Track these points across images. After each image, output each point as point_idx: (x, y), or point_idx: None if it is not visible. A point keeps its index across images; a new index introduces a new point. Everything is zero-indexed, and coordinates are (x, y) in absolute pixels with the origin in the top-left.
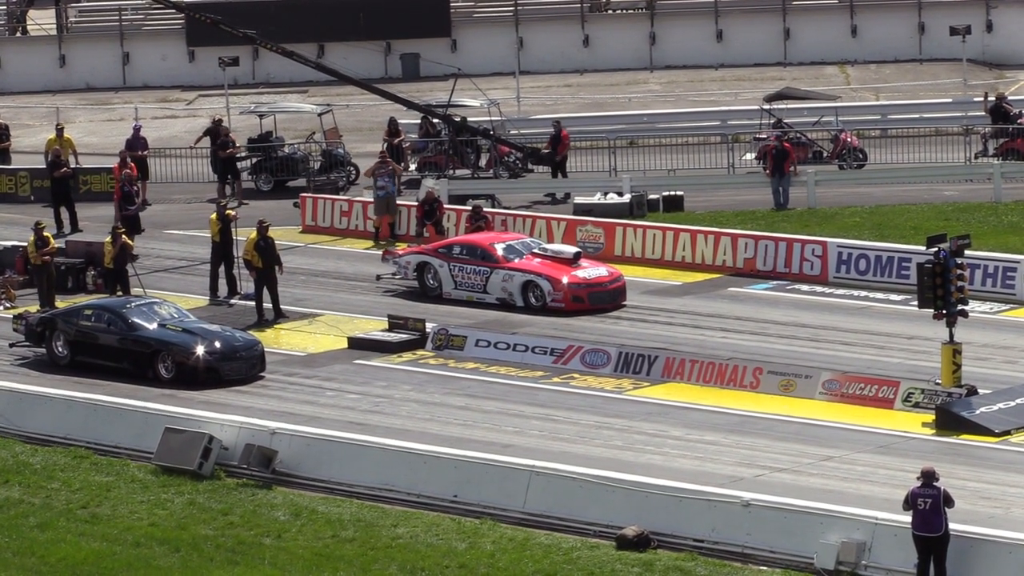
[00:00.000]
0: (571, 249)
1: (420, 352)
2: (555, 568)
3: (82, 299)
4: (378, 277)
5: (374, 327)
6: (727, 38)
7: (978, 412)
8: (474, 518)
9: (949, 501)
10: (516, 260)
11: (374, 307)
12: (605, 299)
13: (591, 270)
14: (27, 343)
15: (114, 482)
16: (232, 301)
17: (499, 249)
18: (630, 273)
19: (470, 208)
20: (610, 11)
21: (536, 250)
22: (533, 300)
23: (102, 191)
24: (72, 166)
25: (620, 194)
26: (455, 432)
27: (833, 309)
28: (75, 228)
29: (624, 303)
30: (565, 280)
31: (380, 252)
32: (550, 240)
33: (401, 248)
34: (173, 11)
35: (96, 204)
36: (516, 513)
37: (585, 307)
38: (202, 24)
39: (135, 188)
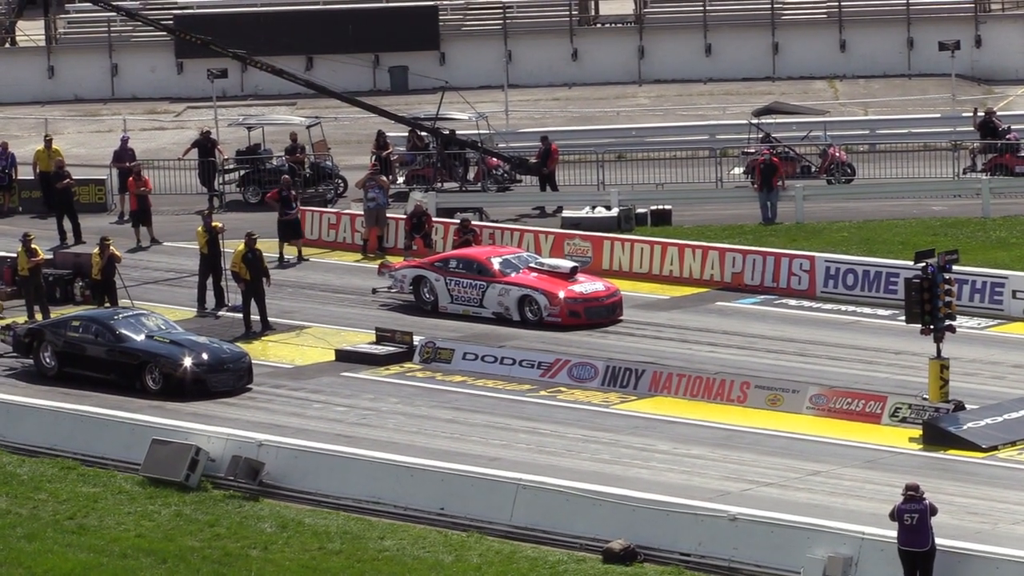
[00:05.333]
0: (568, 264)
1: (407, 365)
2: None
3: (70, 310)
4: (374, 290)
5: (362, 340)
6: (716, 52)
7: (965, 427)
8: (461, 531)
9: (933, 510)
10: (512, 274)
11: (362, 319)
12: (602, 314)
13: (587, 285)
14: (15, 354)
15: (101, 493)
16: (219, 313)
17: (495, 263)
18: (618, 287)
19: (458, 221)
20: (599, 25)
21: (533, 264)
22: (530, 315)
23: (90, 202)
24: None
25: (608, 208)
26: (442, 445)
27: (821, 324)
28: (78, 239)
29: (621, 318)
30: (561, 295)
31: (366, 263)
32: (538, 254)
33: (397, 261)
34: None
35: (84, 215)
36: (503, 526)
37: (582, 322)
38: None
39: (293, 193)
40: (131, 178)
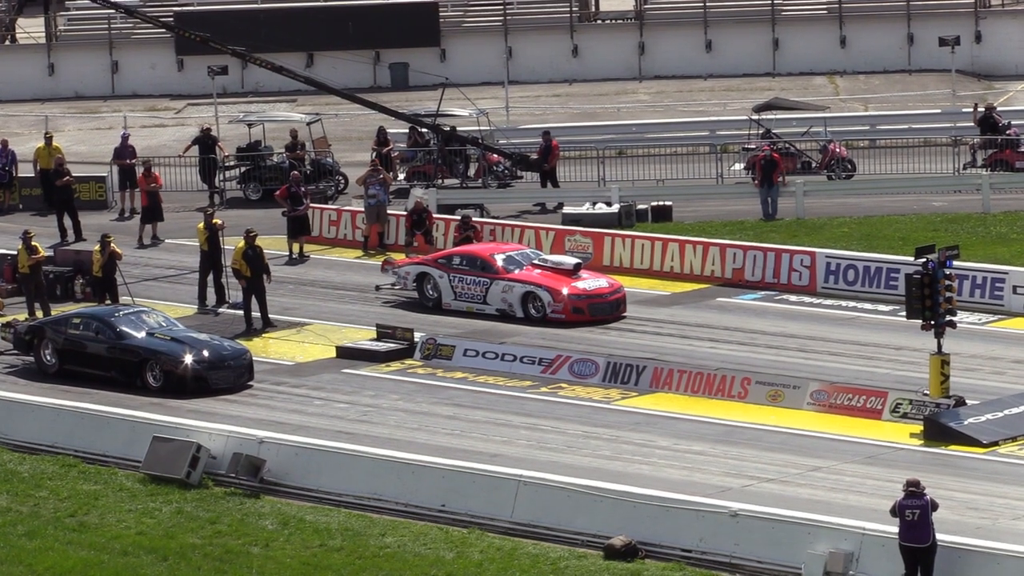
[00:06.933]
0: (571, 260)
1: (408, 361)
2: None
3: (70, 308)
4: (377, 287)
5: (362, 336)
6: (716, 48)
7: (966, 423)
8: (462, 527)
9: (933, 505)
10: (516, 271)
11: (362, 316)
12: (605, 310)
13: (591, 281)
14: (15, 351)
15: (102, 491)
16: (220, 310)
17: (499, 260)
18: (621, 284)
19: (459, 218)
20: (599, 21)
21: (536, 261)
22: (533, 311)
23: (90, 199)
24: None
25: (609, 204)
26: (443, 441)
27: (821, 319)
28: (79, 236)
29: (624, 315)
30: (565, 291)
31: (367, 259)
32: (539, 250)
33: (399, 258)
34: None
35: (85, 212)
36: (504, 523)
37: (585, 318)
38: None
39: (303, 189)
40: (141, 175)
